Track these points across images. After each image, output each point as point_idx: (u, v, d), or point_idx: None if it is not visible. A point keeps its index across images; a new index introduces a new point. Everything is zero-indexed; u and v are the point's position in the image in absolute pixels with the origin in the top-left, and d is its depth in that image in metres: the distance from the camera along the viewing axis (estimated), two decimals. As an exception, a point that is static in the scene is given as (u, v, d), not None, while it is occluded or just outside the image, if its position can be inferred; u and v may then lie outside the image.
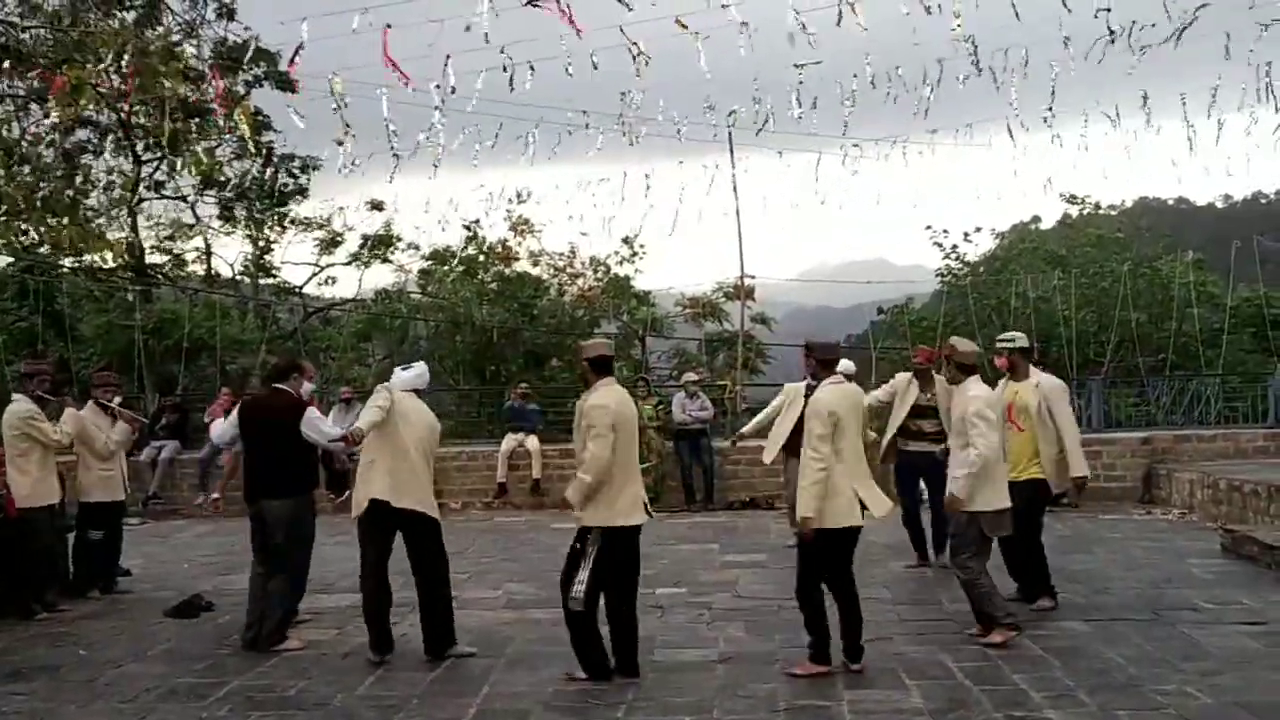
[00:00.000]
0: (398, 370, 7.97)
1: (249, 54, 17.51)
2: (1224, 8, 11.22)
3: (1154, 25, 11.22)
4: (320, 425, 7.95)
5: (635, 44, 10.46)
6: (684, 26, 10.39)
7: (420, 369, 8.00)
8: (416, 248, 28.11)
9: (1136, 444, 15.94)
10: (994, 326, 20.79)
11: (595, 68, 10.83)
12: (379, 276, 29.58)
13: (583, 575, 6.59)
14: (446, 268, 26.76)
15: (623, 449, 6.65)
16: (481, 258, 26.82)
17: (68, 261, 22.30)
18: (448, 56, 11.23)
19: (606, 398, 6.70)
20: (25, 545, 9.23)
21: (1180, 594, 8.97)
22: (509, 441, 16.44)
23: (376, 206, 27.48)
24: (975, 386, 7.54)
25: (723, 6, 9.96)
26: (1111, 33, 11.40)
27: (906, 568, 10.55)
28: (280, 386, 8.05)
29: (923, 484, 10.55)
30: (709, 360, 25.63)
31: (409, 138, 12.90)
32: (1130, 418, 18.44)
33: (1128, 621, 8.00)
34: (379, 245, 27.79)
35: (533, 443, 16.29)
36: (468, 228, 27.24)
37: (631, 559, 6.81)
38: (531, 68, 10.72)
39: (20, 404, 9.44)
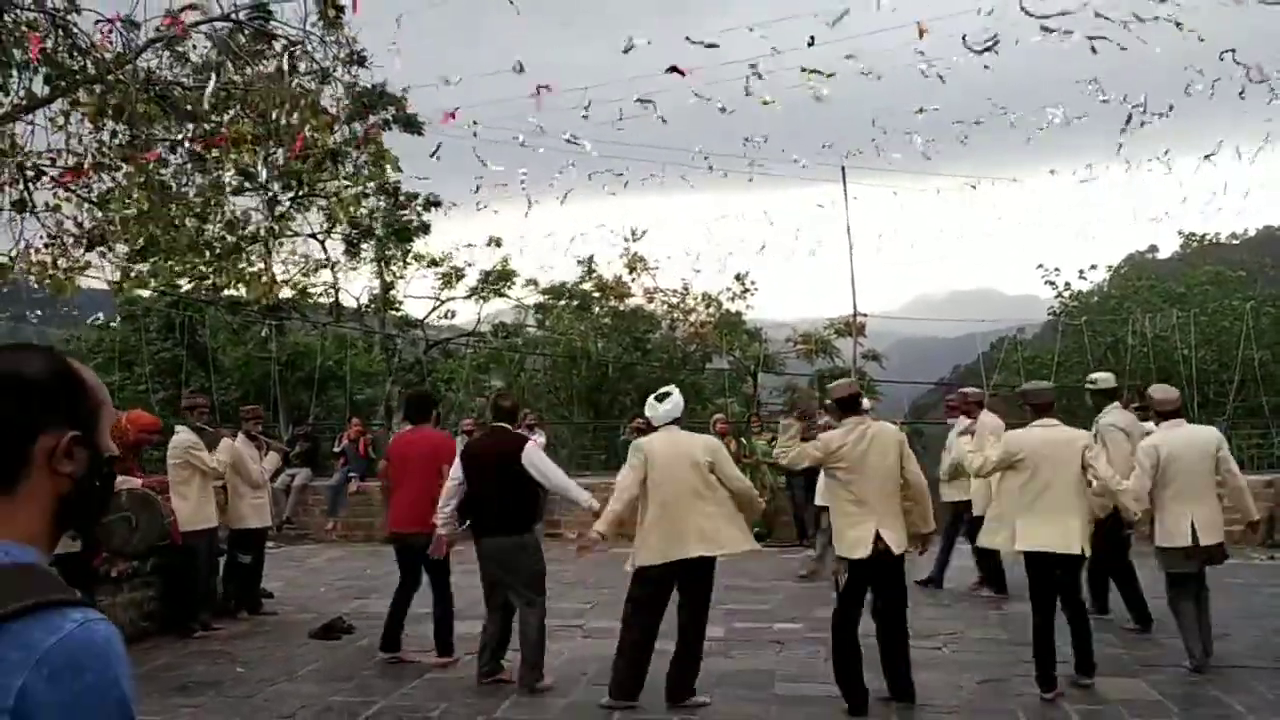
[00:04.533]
0: (651, 401, 7.55)
1: (378, 98, 18.38)
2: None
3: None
4: (554, 477, 7.90)
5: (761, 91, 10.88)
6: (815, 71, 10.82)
7: (676, 397, 7.53)
8: (535, 283, 28.95)
9: (1260, 486, 15.62)
10: (1110, 364, 20.55)
11: (723, 110, 11.33)
12: (498, 310, 30.30)
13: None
14: (563, 303, 27.48)
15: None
16: (597, 294, 27.46)
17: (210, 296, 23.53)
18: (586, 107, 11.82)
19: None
20: (186, 568, 9.97)
21: (1305, 643, 8.93)
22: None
23: (496, 242, 28.40)
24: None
25: (847, 58, 10.31)
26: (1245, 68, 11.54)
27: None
28: (504, 425, 8.07)
29: None
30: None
31: (536, 176, 13.56)
32: (1254, 459, 18.09)
33: (1248, 669, 8.03)
34: (498, 280, 28.63)
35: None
36: (583, 263, 27.98)
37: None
38: (663, 119, 11.24)
39: (184, 435, 10.21)
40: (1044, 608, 7.32)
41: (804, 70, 10.97)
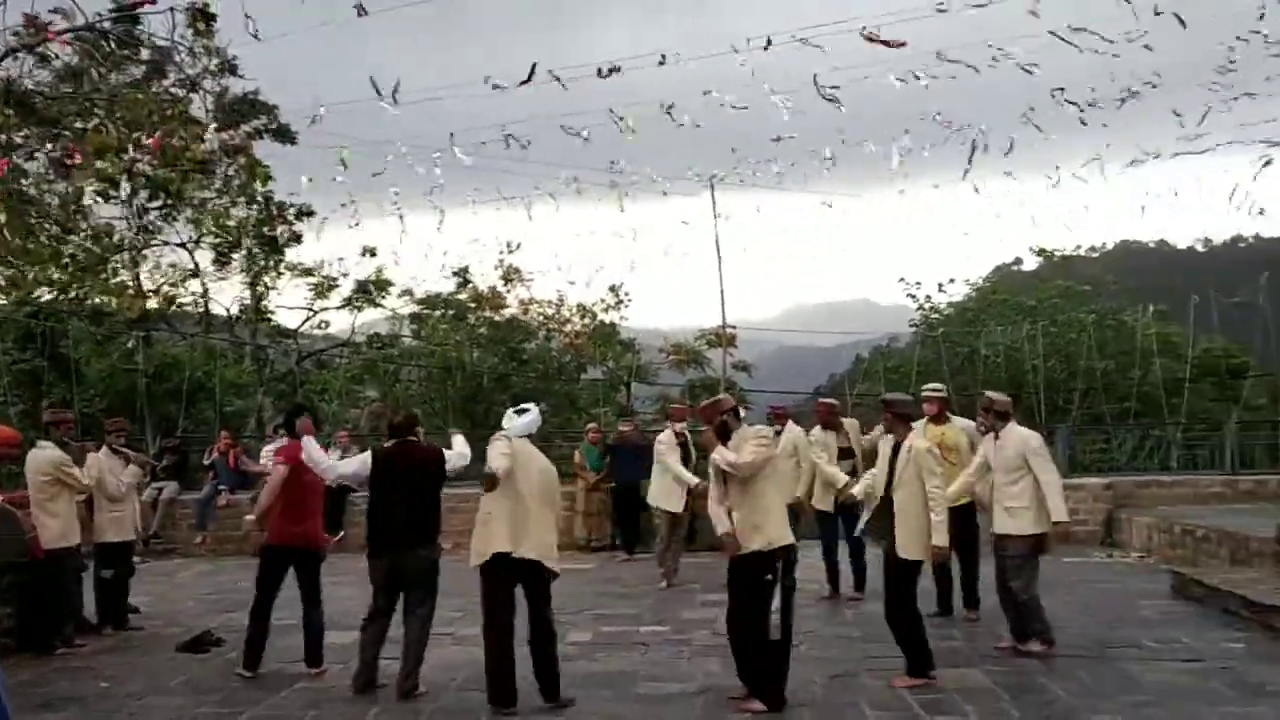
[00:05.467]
0: (510, 414, 7.86)
1: (249, 107, 18.26)
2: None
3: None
4: (455, 460, 8.20)
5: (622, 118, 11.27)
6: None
7: (534, 413, 7.88)
8: (410, 293, 28.87)
9: (1100, 489, 16.67)
10: (966, 374, 21.58)
11: (586, 139, 11.69)
12: (372, 320, 30.07)
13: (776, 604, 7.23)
14: (438, 313, 27.50)
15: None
16: (472, 304, 27.56)
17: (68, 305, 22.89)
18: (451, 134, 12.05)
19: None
20: (49, 584, 9.83)
21: (1129, 633, 9.64)
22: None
23: (370, 252, 28.24)
24: (1021, 428, 9.02)
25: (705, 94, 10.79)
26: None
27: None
28: (412, 439, 8.12)
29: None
30: (692, 406, 26.28)
31: (410, 190, 13.74)
32: (1095, 463, 19.19)
33: (1077, 658, 8.66)
34: (372, 290, 28.46)
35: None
36: (458, 274, 28.03)
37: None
38: (525, 145, 11.54)
39: (50, 451, 10.05)
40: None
41: (615, 117, 11.47)
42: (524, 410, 7.87)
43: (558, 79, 10.43)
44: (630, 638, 9.92)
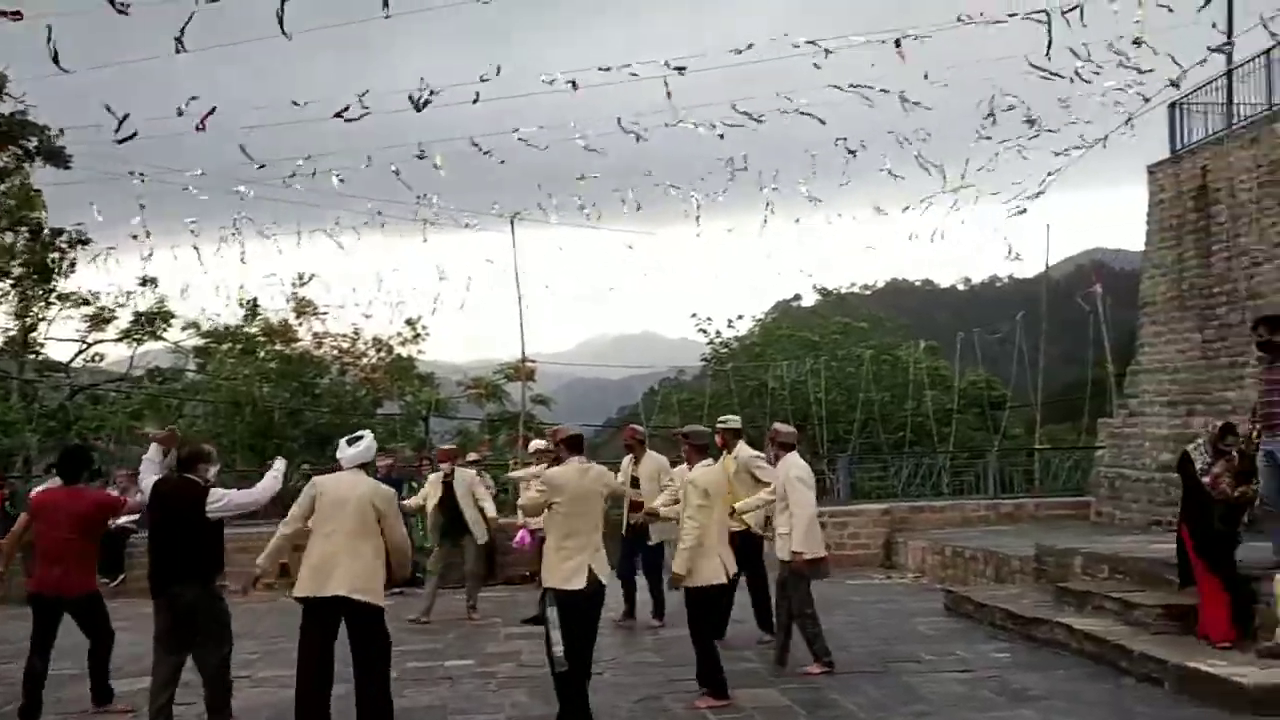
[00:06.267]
0: (342, 443, 7.66)
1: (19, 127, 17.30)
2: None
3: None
4: (238, 497, 7.87)
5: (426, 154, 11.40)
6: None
7: (367, 441, 7.68)
8: (196, 326, 27.70)
9: (878, 514, 17.70)
10: (756, 406, 22.48)
11: (397, 174, 11.77)
12: (153, 354, 28.64)
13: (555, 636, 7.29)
14: (226, 346, 26.54)
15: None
16: (262, 338, 26.73)
17: None
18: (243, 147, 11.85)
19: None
20: None
21: (908, 649, 10.34)
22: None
23: (151, 283, 26.96)
24: (792, 458, 9.50)
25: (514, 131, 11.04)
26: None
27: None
28: (190, 476, 7.75)
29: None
30: (491, 440, 26.33)
31: (209, 221, 13.40)
32: (873, 490, 20.32)
33: (863, 674, 9.25)
34: (153, 322, 27.17)
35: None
36: (244, 305, 27.12)
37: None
38: (340, 179, 11.51)
39: None
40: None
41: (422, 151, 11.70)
42: (357, 439, 7.67)
43: (365, 107, 10.44)
44: (435, 673, 9.93)
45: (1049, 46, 11.86)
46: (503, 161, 12.38)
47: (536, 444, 15.02)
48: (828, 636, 9.52)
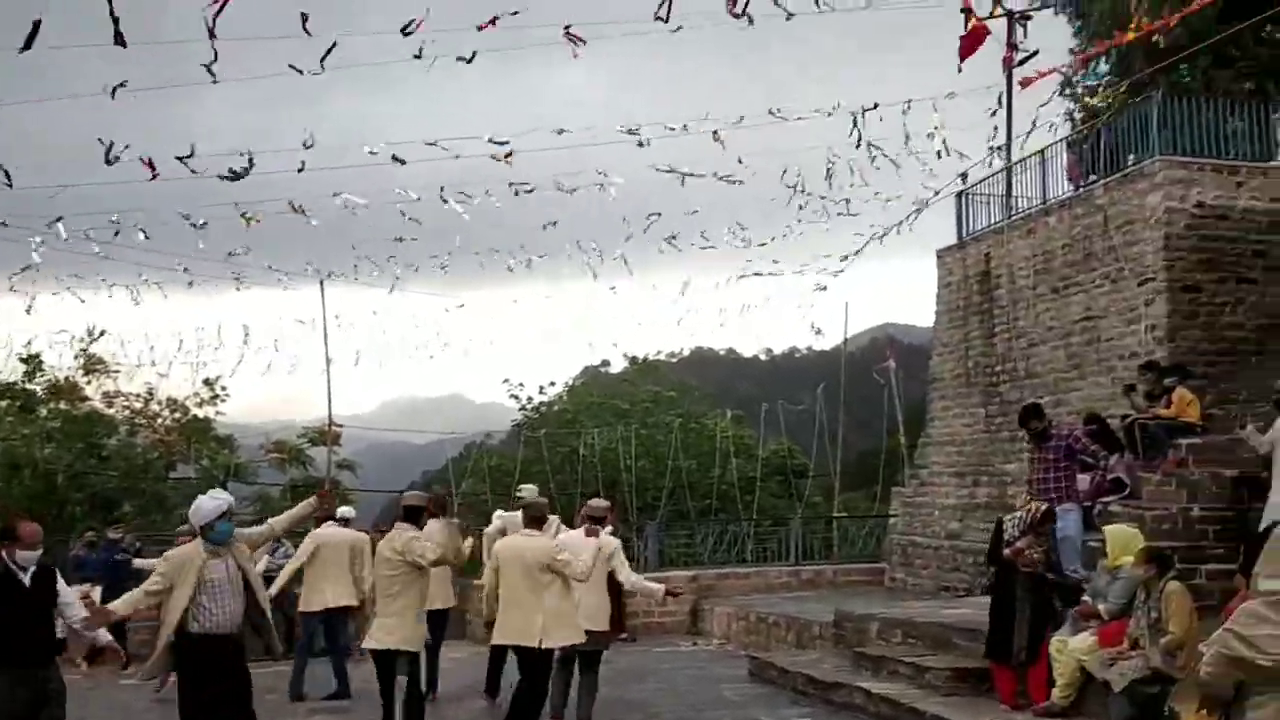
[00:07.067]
0: (200, 500, 7.42)
1: None
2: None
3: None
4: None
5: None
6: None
7: (223, 496, 7.54)
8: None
9: (686, 581, 17.98)
10: (566, 473, 22.61)
11: (197, 227, 11.52)
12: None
13: None
14: (4, 404, 24.86)
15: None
16: (45, 395, 25.18)
17: None
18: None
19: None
20: None
21: (715, 715, 10.58)
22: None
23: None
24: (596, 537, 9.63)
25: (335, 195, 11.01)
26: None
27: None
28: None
29: None
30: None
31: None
32: (681, 557, 20.66)
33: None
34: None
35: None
36: (26, 361, 25.52)
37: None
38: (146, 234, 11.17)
39: None
40: None
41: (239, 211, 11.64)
42: (216, 495, 7.58)
43: (183, 161, 10.19)
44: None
45: (859, 141, 12.79)
46: (315, 224, 12.27)
47: (343, 511, 14.74)
48: (641, 705, 9.66)
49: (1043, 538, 9.45)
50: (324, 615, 11.77)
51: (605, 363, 46.70)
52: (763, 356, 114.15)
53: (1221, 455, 11.12)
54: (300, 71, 9.01)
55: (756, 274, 18.51)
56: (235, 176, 10.32)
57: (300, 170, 10.58)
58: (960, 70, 10.62)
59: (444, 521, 9.11)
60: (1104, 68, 18.97)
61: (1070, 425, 12.53)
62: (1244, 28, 13.48)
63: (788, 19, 9.94)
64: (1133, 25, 11.17)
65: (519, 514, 10.77)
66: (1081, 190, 15.78)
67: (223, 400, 26.56)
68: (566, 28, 10.05)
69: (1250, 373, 13.19)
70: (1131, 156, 15.01)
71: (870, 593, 17.28)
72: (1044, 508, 9.64)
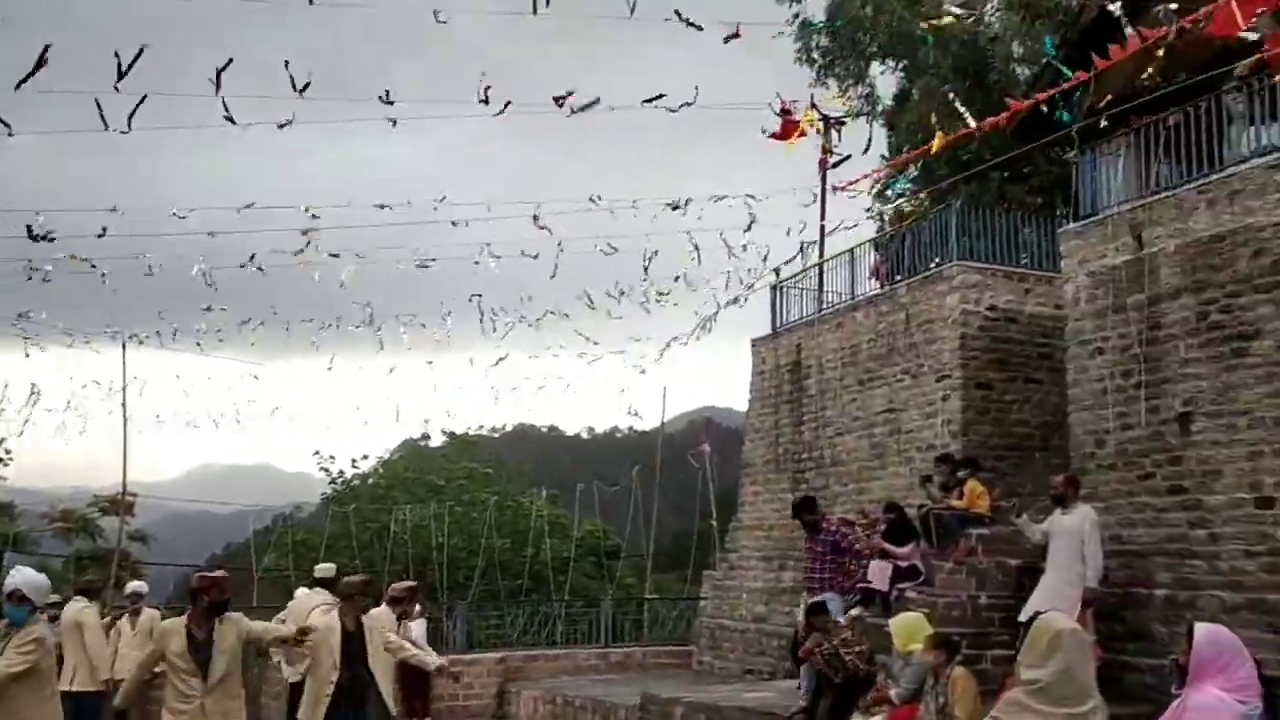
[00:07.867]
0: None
1: None
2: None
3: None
4: None
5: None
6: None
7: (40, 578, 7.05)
8: None
9: (493, 663, 17.71)
10: (375, 549, 22.01)
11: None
12: None
13: None
14: None
15: None
16: None
17: None
18: None
19: None
20: None
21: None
22: None
23: None
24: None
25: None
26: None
27: None
28: None
29: None
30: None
31: None
32: (490, 639, 20.32)
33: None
34: None
35: None
36: None
37: None
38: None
39: None
40: None
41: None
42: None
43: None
44: None
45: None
46: (115, 291, 11.82)
47: (134, 586, 13.96)
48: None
49: (825, 633, 9.91)
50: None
51: (425, 436, 45.86)
52: (584, 434, 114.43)
53: (1007, 545, 11.70)
54: (106, 126, 8.66)
55: (580, 354, 18.70)
56: (35, 238, 9.82)
57: (101, 235, 10.17)
58: (772, 142, 11.14)
59: None
60: (913, 172, 20.12)
61: (841, 518, 13.19)
62: (1035, 147, 14.49)
63: (610, 111, 10.22)
64: (935, 140, 11.90)
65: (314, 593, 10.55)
66: (887, 289, 16.57)
67: (4, 464, 24.74)
68: (383, 95, 10.03)
69: (1035, 467, 13.98)
70: (936, 260, 15.86)
71: (678, 675, 17.37)
72: (812, 601, 10.18)
